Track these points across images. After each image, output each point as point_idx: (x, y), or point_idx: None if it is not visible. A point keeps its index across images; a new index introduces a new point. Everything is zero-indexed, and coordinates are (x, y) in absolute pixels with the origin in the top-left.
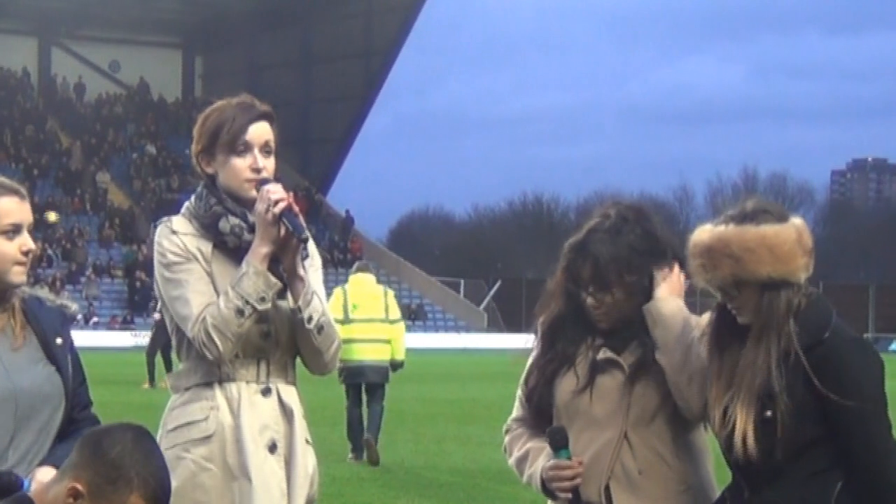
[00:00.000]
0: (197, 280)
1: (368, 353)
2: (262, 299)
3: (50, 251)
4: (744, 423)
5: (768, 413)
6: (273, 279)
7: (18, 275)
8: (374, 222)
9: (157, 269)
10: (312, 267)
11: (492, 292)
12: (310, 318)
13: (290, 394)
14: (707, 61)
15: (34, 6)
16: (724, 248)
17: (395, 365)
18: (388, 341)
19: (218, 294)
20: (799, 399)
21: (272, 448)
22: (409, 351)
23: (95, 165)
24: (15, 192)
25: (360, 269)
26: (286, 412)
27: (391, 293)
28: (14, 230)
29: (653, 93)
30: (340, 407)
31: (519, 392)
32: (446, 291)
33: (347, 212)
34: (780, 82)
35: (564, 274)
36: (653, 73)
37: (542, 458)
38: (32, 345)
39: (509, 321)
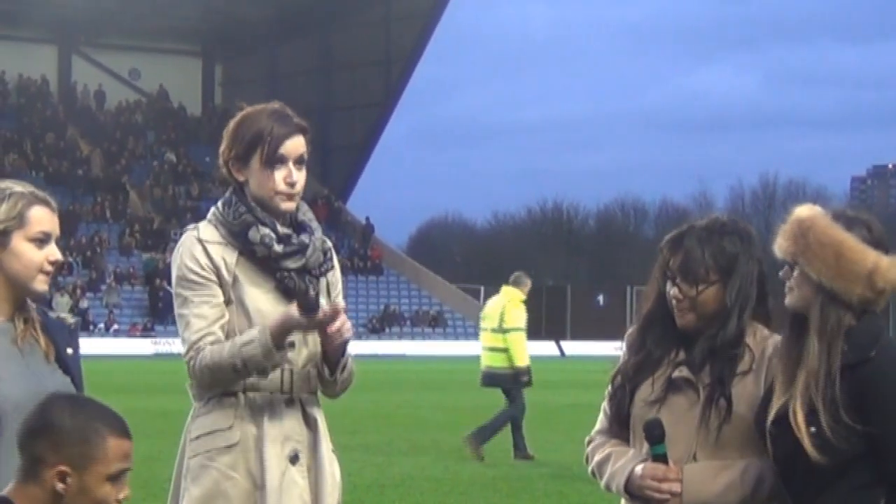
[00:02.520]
0: (202, 302)
1: (484, 360)
2: (263, 371)
3: (70, 259)
4: (802, 433)
5: (813, 429)
6: (278, 357)
7: (42, 283)
8: (394, 229)
9: (173, 278)
10: (337, 286)
11: None
12: (339, 379)
13: (314, 403)
14: (723, 70)
15: (54, 14)
16: (806, 228)
17: (518, 372)
18: (503, 350)
19: (226, 307)
20: (844, 414)
21: (294, 459)
22: (428, 358)
23: (116, 173)
24: (47, 203)
25: (510, 282)
26: (310, 422)
27: (512, 305)
28: (44, 239)
29: (670, 101)
30: (359, 415)
31: (604, 404)
32: (466, 298)
33: (367, 219)
34: (795, 91)
35: (658, 270)
36: (669, 82)
37: (625, 459)
38: (50, 355)
39: (530, 328)
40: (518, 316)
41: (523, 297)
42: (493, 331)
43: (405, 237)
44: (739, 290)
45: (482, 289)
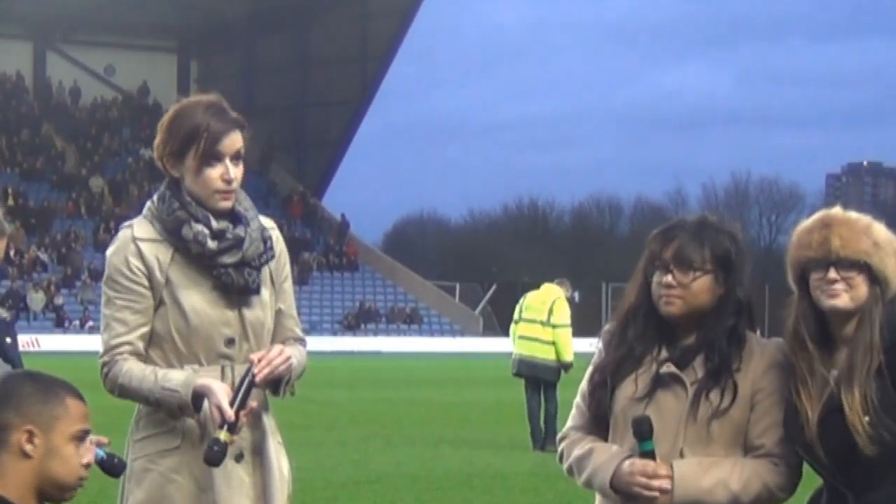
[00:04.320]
0: (124, 307)
1: (525, 349)
2: (172, 416)
3: (45, 256)
4: (858, 424)
5: (867, 418)
6: (189, 415)
7: None
8: (369, 226)
9: (105, 277)
10: (282, 273)
11: (487, 296)
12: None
13: (257, 397)
14: (695, 68)
15: (29, 10)
16: (865, 228)
17: (564, 366)
18: (549, 343)
19: (159, 308)
20: (890, 401)
21: (238, 457)
22: (404, 355)
23: (90, 170)
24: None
25: (554, 282)
26: (253, 417)
27: (561, 302)
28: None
29: (643, 99)
30: (336, 412)
31: (578, 399)
32: (442, 295)
33: (343, 216)
34: (767, 89)
35: (645, 263)
36: (643, 80)
37: (608, 455)
38: None
39: (505, 325)
40: (567, 313)
41: (565, 296)
42: (542, 324)
43: (380, 234)
44: (734, 285)
45: (458, 285)
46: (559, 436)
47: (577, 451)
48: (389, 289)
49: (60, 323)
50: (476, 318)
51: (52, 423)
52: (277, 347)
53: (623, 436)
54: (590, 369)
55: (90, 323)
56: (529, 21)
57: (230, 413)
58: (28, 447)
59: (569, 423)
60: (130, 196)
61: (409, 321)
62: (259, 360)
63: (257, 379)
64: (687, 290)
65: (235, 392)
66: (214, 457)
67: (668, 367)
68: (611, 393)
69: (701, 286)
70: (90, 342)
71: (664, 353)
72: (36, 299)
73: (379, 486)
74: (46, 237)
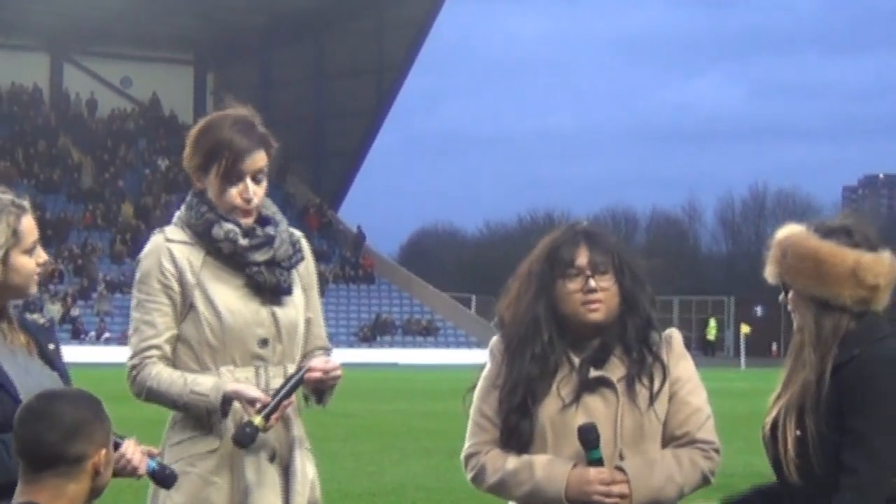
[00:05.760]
0: (154, 310)
1: None
2: (199, 419)
3: (62, 267)
4: (784, 440)
5: (798, 432)
6: (216, 420)
7: (35, 285)
8: (385, 238)
9: (135, 280)
10: (311, 280)
11: None
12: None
13: (293, 401)
14: (709, 82)
15: (46, 22)
16: (786, 248)
17: None
18: None
19: (190, 310)
20: (832, 418)
21: (272, 457)
22: (420, 367)
23: (107, 181)
24: (28, 210)
25: None
26: (284, 419)
27: None
28: (35, 247)
29: (658, 112)
30: (352, 423)
31: (476, 416)
32: (457, 307)
33: (359, 227)
34: (782, 102)
35: (542, 271)
36: (657, 93)
37: (552, 465)
38: (32, 351)
39: None
40: None
41: None
42: None
43: (396, 246)
44: (638, 282)
45: (473, 297)
46: (466, 452)
47: (509, 466)
48: (405, 301)
49: (77, 334)
50: (492, 330)
51: (108, 439)
52: (335, 362)
53: (556, 447)
54: (484, 386)
55: (106, 334)
56: (545, 34)
57: (266, 398)
58: (101, 467)
59: (475, 438)
60: (146, 207)
61: (426, 333)
62: (316, 364)
63: (307, 377)
64: (607, 294)
65: (284, 383)
66: (245, 437)
67: (593, 371)
68: (533, 406)
69: (614, 289)
70: (106, 353)
71: (577, 357)
72: (52, 311)
73: (395, 497)
74: (64, 249)
